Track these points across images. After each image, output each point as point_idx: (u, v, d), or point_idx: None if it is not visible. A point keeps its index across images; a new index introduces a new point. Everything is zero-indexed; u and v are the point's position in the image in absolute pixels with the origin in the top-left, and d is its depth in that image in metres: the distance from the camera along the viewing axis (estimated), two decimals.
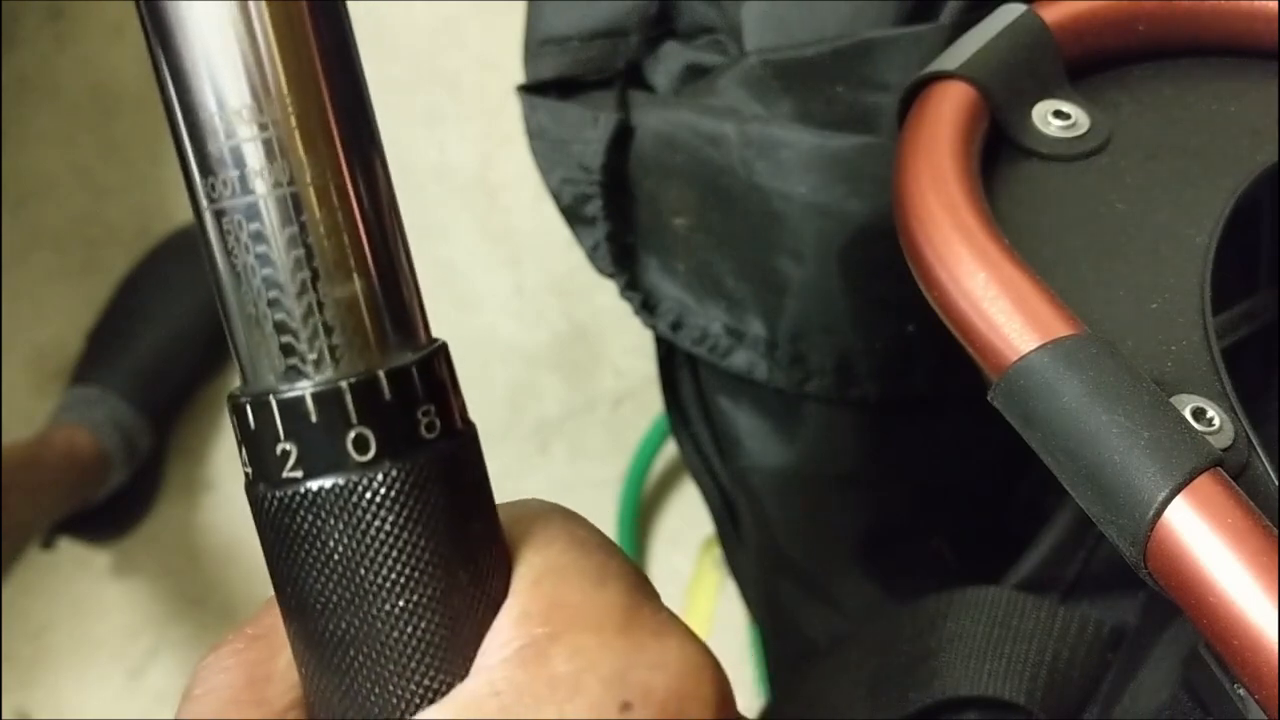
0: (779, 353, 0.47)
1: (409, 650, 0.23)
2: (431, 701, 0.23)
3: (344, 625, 0.23)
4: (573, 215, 0.50)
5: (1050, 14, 0.38)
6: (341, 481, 0.22)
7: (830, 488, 0.51)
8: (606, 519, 0.96)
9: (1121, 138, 0.37)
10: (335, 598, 0.23)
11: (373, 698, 0.23)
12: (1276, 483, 0.28)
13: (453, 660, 0.23)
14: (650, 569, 0.96)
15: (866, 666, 0.44)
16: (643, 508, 0.97)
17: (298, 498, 0.22)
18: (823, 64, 0.44)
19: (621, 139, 0.48)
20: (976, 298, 0.31)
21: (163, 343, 1.02)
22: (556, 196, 0.50)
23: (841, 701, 0.44)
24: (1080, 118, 0.37)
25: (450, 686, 0.23)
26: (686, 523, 0.97)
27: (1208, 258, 0.33)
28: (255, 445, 0.23)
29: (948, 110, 0.36)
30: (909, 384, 0.47)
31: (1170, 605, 0.27)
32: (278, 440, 0.22)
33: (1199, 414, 0.29)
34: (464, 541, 0.23)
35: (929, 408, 0.49)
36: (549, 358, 1.01)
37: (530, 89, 0.51)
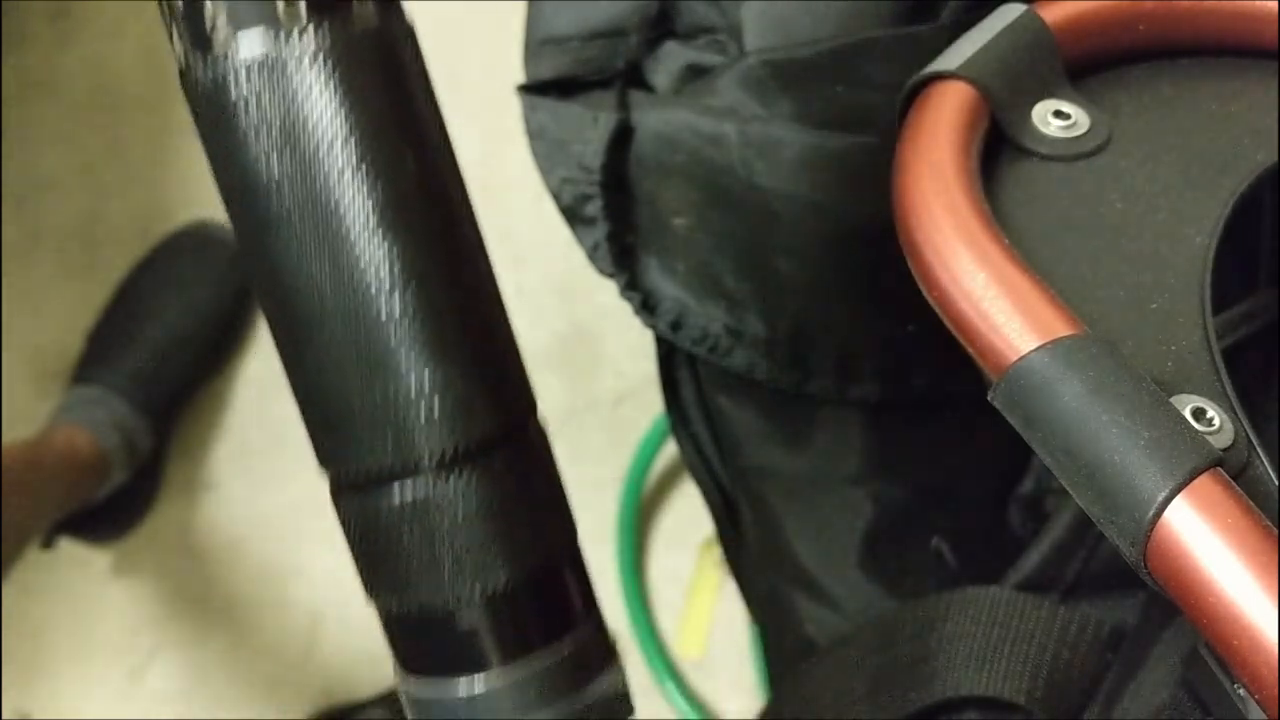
0: (779, 353, 0.47)
1: (358, 221, 0.22)
2: (392, 289, 0.23)
3: (289, 199, 0.22)
4: (573, 215, 0.50)
5: (1050, 14, 0.38)
6: (273, 50, 0.22)
7: (830, 488, 0.51)
8: (606, 519, 0.96)
9: (1121, 138, 0.37)
10: (278, 170, 0.22)
11: (326, 254, 0.23)
12: (1276, 483, 0.28)
13: (413, 256, 0.23)
14: (650, 569, 0.96)
15: (866, 666, 0.44)
16: (643, 508, 0.97)
17: (233, 70, 0.22)
18: (822, 64, 0.44)
19: (621, 139, 0.48)
20: (976, 298, 0.31)
21: (163, 343, 1.02)
22: (556, 196, 0.50)
23: (841, 701, 0.44)
24: (1080, 118, 0.37)
25: (404, 270, 0.23)
26: (686, 523, 0.97)
27: (1208, 258, 0.33)
28: (187, 23, 0.22)
29: (948, 110, 0.36)
30: (909, 384, 0.47)
31: (1170, 605, 0.27)
32: (204, 11, 0.22)
33: (1199, 414, 0.29)
34: (406, 117, 0.23)
35: (929, 408, 0.49)
36: (549, 358, 1.00)
37: (530, 89, 0.51)
